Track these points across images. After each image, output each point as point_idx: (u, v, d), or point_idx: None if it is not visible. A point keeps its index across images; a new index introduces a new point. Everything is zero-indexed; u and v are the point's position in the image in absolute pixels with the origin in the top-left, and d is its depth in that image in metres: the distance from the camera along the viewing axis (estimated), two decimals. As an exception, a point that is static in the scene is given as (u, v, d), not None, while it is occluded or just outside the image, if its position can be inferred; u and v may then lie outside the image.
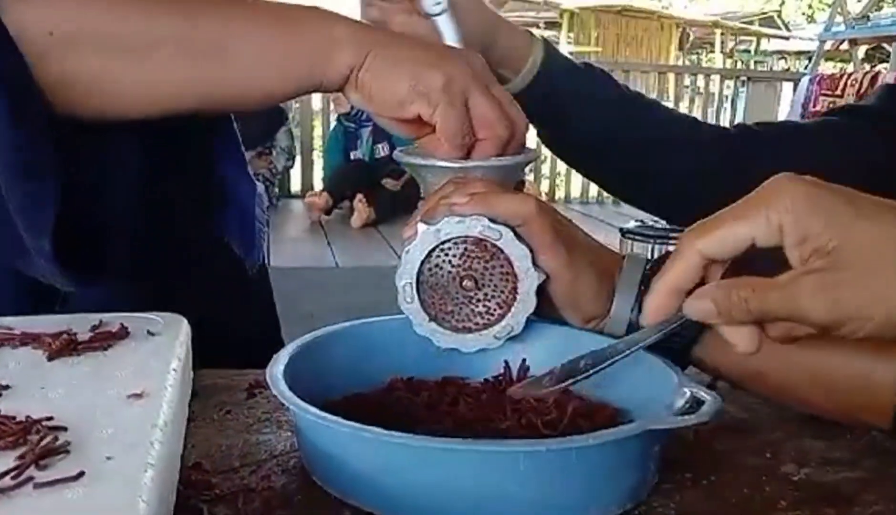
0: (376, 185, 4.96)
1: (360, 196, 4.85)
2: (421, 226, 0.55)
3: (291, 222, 5.06)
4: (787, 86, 6.24)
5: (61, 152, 0.55)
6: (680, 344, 0.55)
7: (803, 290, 0.42)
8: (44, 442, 0.36)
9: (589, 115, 0.85)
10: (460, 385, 0.57)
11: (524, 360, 0.58)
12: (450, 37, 0.71)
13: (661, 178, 0.89)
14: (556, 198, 6.11)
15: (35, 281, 0.63)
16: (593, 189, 6.28)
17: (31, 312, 0.63)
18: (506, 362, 0.59)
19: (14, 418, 0.40)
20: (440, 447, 0.41)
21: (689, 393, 0.46)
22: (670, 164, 0.88)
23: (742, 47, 12.93)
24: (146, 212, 0.66)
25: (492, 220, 0.53)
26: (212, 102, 0.62)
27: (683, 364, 0.56)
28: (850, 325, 0.42)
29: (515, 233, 0.54)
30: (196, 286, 0.73)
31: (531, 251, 0.54)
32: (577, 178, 6.21)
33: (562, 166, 6.24)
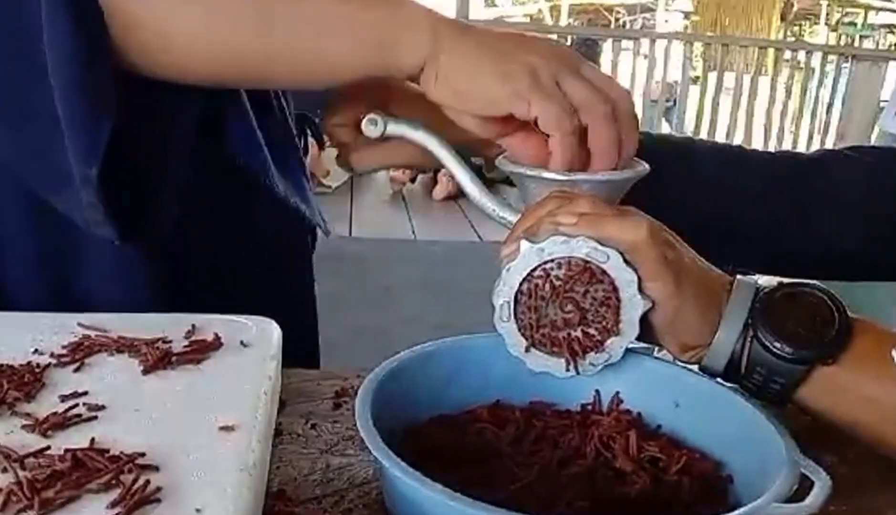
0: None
1: (444, 169, 4.84)
2: (524, 244, 0.52)
3: (373, 190, 5.09)
4: (893, 66, 5.88)
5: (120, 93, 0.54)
6: (784, 384, 0.52)
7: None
8: (136, 486, 0.37)
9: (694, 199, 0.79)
10: (547, 417, 0.55)
11: (617, 393, 0.56)
12: None
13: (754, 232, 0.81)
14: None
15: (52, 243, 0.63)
16: (681, 167, 6.10)
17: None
18: (597, 392, 0.56)
19: (107, 451, 0.40)
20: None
21: (797, 472, 0.43)
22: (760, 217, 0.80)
23: (848, 20, 12.26)
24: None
25: (599, 243, 0.51)
26: (267, 70, 0.59)
27: (781, 404, 0.53)
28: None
29: (623, 257, 0.51)
30: (233, 274, 0.73)
31: (638, 276, 0.51)
32: (664, 155, 6.03)
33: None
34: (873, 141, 5.80)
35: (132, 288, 0.66)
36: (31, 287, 0.66)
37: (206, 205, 0.69)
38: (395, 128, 0.65)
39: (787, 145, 6.15)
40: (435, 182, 4.90)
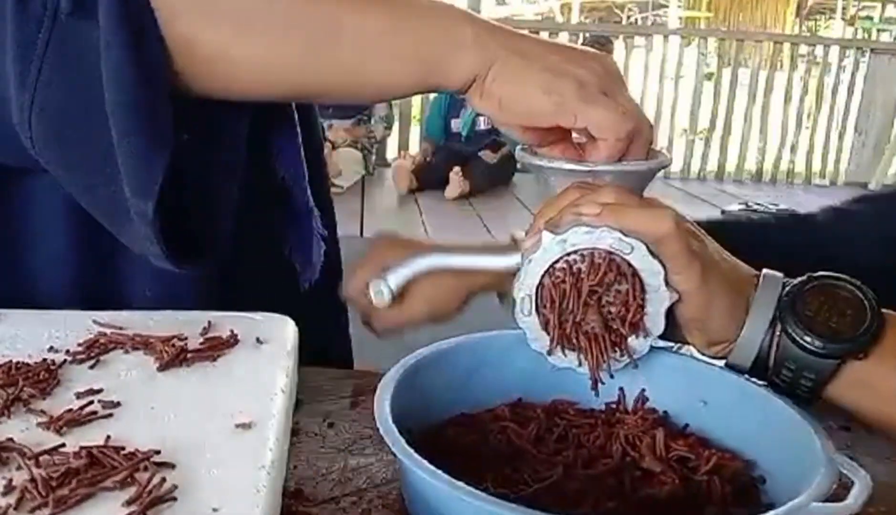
0: (472, 157, 4.94)
1: (456, 168, 4.83)
2: (546, 236, 0.50)
3: (385, 192, 5.09)
4: (914, 59, 5.81)
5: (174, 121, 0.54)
6: (815, 380, 0.50)
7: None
8: (151, 485, 0.36)
9: None
10: (570, 415, 0.54)
11: (643, 391, 0.55)
12: None
13: None
14: (656, 173, 5.91)
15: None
16: (694, 165, 6.06)
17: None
18: (621, 390, 0.55)
19: (123, 449, 0.39)
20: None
21: (836, 471, 0.42)
22: None
23: (864, 14, 12.13)
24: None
25: (623, 233, 0.49)
26: (322, 88, 0.60)
27: (812, 401, 0.51)
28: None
29: (648, 248, 0.49)
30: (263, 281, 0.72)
31: (664, 269, 0.50)
32: (677, 152, 5.99)
33: (662, 139, 6.04)
34: (893, 136, 5.74)
35: (173, 297, 0.65)
36: (69, 295, 0.65)
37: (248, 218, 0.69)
38: (401, 278, 0.62)
39: (804, 140, 6.10)
40: (446, 181, 4.89)
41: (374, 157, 5.35)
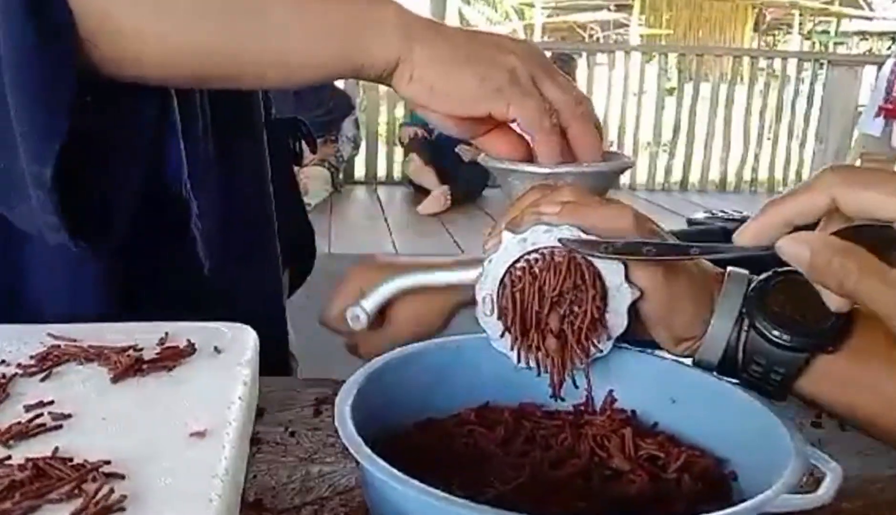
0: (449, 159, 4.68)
1: (444, 186, 4.64)
2: (506, 235, 0.51)
3: (353, 209, 5.08)
4: (869, 70, 5.94)
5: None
6: (784, 375, 0.50)
7: None
8: (100, 495, 0.34)
9: None
10: (537, 418, 0.53)
11: (610, 391, 0.54)
12: None
13: None
14: (622, 184, 5.96)
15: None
16: (659, 176, 6.12)
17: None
18: (588, 391, 0.54)
19: (71, 460, 0.38)
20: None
21: (807, 462, 0.41)
22: None
23: (821, 28, 12.40)
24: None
25: (583, 231, 0.49)
26: (235, 69, 0.57)
27: (782, 396, 0.51)
28: None
29: None
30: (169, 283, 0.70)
31: (625, 266, 0.49)
32: (643, 165, 6.06)
33: (627, 152, 6.09)
34: (853, 143, 5.86)
35: (83, 299, 0.64)
36: None
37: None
38: (376, 301, 0.61)
39: (766, 150, 6.19)
40: (424, 194, 4.81)
41: (341, 176, 5.33)
